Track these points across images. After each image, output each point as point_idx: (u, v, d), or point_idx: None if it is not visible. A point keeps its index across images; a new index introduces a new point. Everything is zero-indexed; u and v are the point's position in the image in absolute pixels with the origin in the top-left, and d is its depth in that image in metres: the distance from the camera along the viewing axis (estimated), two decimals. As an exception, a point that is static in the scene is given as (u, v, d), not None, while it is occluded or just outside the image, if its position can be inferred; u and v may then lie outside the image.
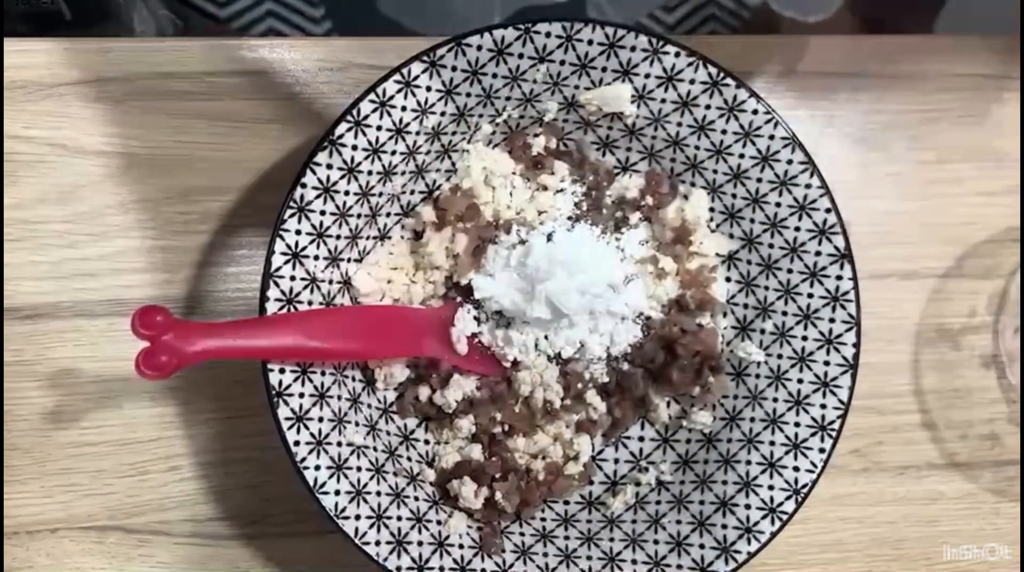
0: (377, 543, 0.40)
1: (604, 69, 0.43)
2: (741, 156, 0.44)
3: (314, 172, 0.40)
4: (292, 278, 0.40)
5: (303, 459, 0.40)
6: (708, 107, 0.43)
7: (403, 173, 0.43)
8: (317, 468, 0.40)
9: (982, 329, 0.52)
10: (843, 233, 0.42)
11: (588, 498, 0.46)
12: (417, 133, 0.42)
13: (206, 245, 0.47)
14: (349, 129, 0.40)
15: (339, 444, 0.41)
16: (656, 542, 0.43)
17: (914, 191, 0.52)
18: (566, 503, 0.46)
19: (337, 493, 0.40)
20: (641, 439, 0.47)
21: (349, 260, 0.43)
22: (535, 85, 0.43)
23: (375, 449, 0.43)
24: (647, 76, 0.43)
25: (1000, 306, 0.51)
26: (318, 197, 0.40)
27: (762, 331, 0.45)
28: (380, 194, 0.43)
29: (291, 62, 0.49)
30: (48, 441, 0.46)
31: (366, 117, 0.40)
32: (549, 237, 0.44)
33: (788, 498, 0.42)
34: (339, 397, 0.42)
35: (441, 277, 0.45)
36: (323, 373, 0.41)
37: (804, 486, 0.42)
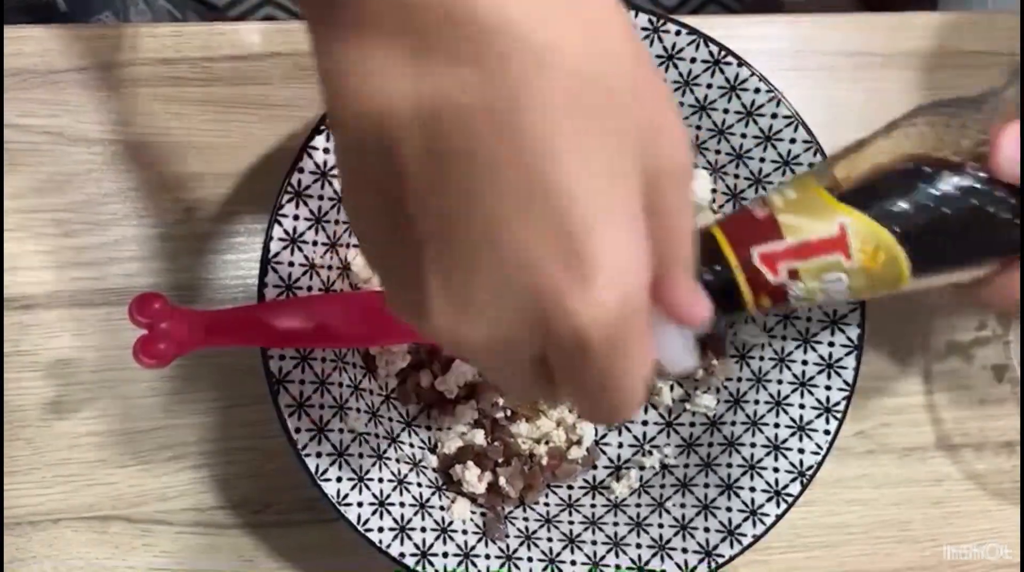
0: (380, 530, 0.40)
1: (604, 49, 0.42)
2: (743, 136, 0.43)
3: (311, 157, 0.39)
4: (290, 264, 0.40)
5: (304, 446, 0.39)
6: (710, 86, 0.43)
7: (402, 157, 0.43)
8: (319, 455, 0.40)
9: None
10: (847, 212, 0.42)
11: (592, 482, 0.46)
12: (415, 116, 0.41)
13: (204, 232, 0.47)
14: (346, 112, 0.39)
15: (340, 431, 0.41)
16: (661, 526, 0.43)
17: (918, 170, 0.52)
18: (570, 488, 0.46)
19: (339, 480, 0.40)
20: (645, 423, 0.47)
21: (348, 245, 0.42)
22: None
23: (377, 436, 0.43)
24: (647, 56, 0.42)
25: (1010, 320, 0.51)
26: (316, 182, 0.40)
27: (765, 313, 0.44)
28: (379, 178, 0.42)
29: (288, 46, 0.48)
30: (48, 431, 0.46)
31: (363, 100, 0.39)
32: (550, 220, 0.43)
33: (793, 480, 0.42)
34: (340, 384, 0.42)
35: (441, 262, 0.44)
36: (323, 360, 0.41)
37: (809, 468, 0.42)
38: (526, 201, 0.20)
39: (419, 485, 0.43)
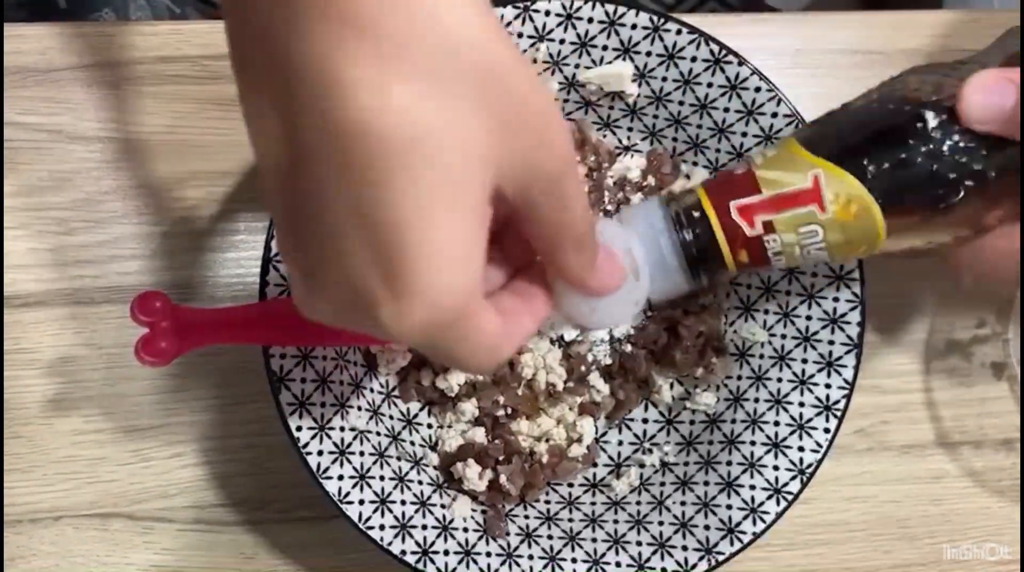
0: (381, 527, 0.40)
1: (605, 48, 0.42)
2: (744, 135, 0.43)
3: (312, 155, 0.39)
4: (292, 262, 0.40)
5: (305, 444, 0.39)
6: (710, 85, 0.43)
7: (402, 155, 0.43)
8: (320, 453, 0.40)
9: (990, 307, 0.51)
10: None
11: (592, 480, 0.46)
12: (416, 115, 0.41)
13: (205, 230, 0.47)
14: (347, 111, 0.39)
15: (341, 429, 0.41)
16: (661, 524, 0.43)
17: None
18: (570, 485, 0.46)
19: (340, 478, 0.40)
20: (645, 421, 0.47)
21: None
22: (535, 65, 0.43)
23: (378, 433, 0.43)
24: (648, 54, 0.42)
25: (1009, 317, 0.51)
26: (317, 180, 0.40)
27: (766, 311, 0.44)
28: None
29: (288, 44, 0.48)
30: (49, 429, 0.46)
31: (364, 99, 0.39)
32: (550, 219, 0.43)
33: (793, 478, 0.42)
34: (341, 382, 0.42)
35: (442, 260, 0.44)
36: (324, 358, 0.41)
37: (809, 466, 0.42)
38: (360, 220, 0.22)
39: (420, 483, 0.43)
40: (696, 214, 0.34)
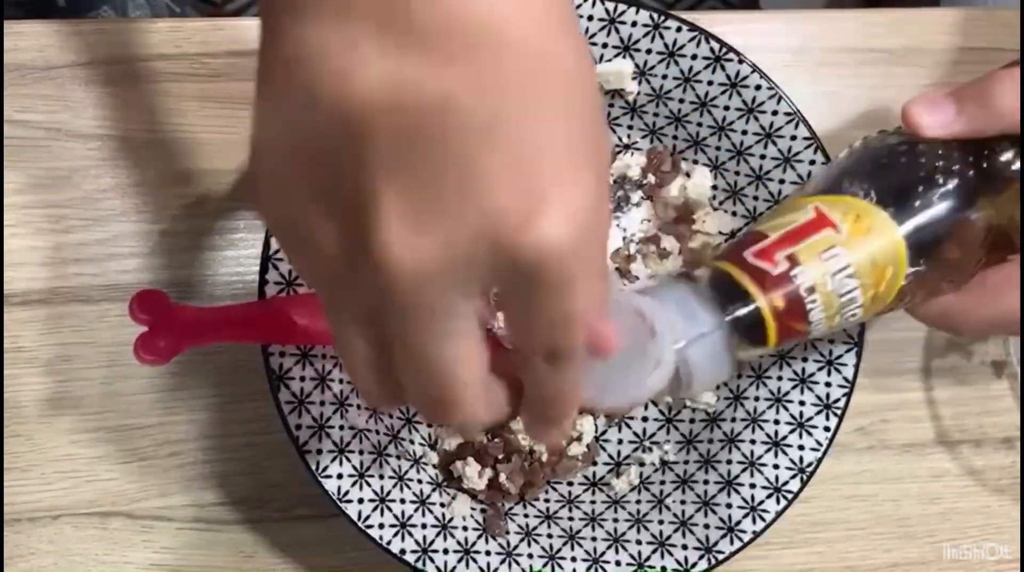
0: (381, 526, 0.40)
1: (605, 45, 0.42)
2: (744, 133, 0.43)
3: (312, 153, 0.39)
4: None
5: (305, 443, 0.39)
6: (711, 83, 0.43)
7: (402, 153, 0.43)
8: (319, 452, 0.40)
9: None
10: (848, 210, 0.42)
11: (592, 479, 0.46)
12: (415, 112, 0.41)
13: (204, 228, 0.47)
14: (346, 109, 0.39)
15: (341, 427, 0.41)
16: (661, 522, 0.43)
17: (918, 167, 0.51)
18: (570, 484, 0.46)
19: (340, 477, 0.40)
20: (644, 419, 0.47)
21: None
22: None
23: (377, 432, 0.43)
24: (648, 52, 0.42)
25: None
26: (316, 178, 0.40)
27: (766, 310, 0.44)
28: (379, 175, 0.42)
29: (287, 42, 0.48)
30: (47, 428, 0.46)
31: (364, 96, 0.39)
32: (550, 217, 0.43)
33: (793, 477, 0.42)
34: (340, 380, 0.42)
35: (442, 258, 0.44)
36: (324, 356, 0.41)
37: (809, 465, 0.42)
38: (498, 146, 0.22)
39: (419, 482, 0.43)
40: (716, 277, 0.33)
